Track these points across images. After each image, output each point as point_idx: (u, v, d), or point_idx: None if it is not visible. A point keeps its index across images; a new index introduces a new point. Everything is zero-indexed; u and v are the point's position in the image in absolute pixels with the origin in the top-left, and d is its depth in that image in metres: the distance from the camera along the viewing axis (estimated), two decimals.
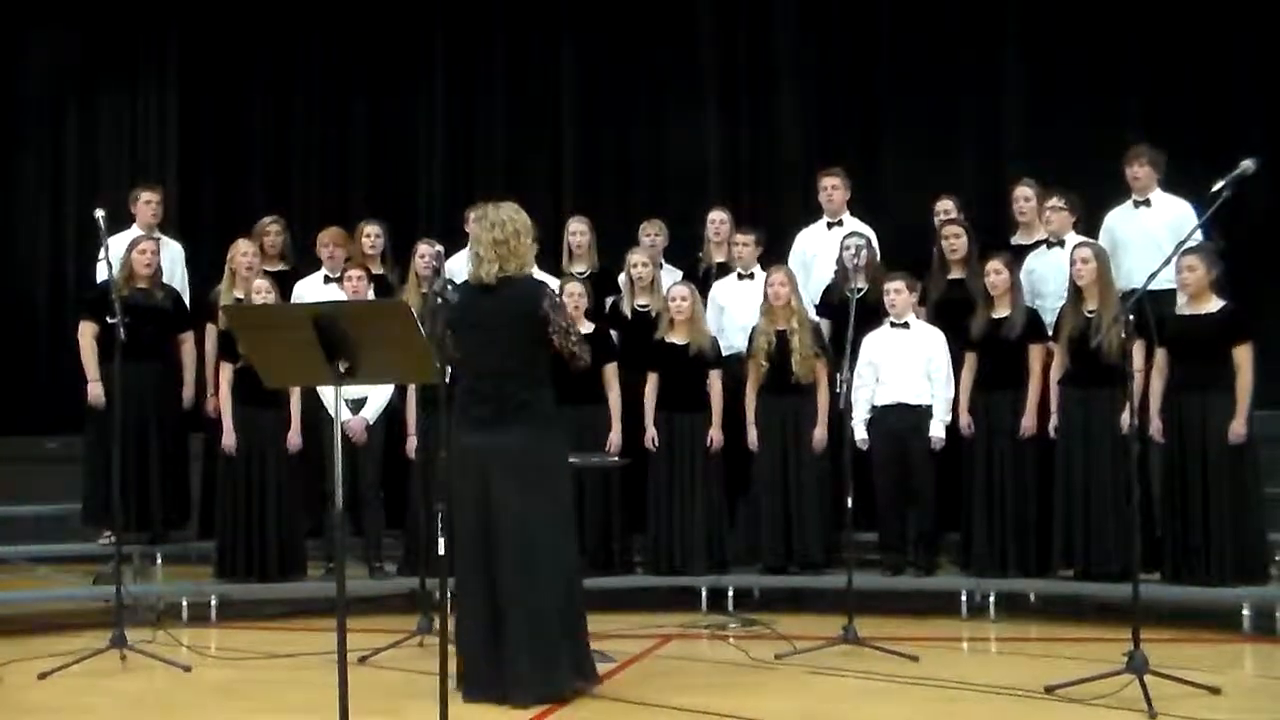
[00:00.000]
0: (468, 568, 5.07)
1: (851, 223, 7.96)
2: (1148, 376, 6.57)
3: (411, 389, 7.18)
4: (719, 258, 8.17)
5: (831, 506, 7.19)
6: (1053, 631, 6.65)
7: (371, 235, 8.12)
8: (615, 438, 7.25)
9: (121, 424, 6.35)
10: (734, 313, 7.78)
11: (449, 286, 5.24)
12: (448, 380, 4.88)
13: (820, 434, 7.24)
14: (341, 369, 3.96)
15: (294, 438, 7.22)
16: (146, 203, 8.01)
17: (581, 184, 10.56)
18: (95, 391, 7.37)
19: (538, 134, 10.86)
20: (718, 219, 8.24)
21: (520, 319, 5.10)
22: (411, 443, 7.24)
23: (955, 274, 7.48)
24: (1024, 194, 7.71)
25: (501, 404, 5.06)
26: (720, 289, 7.91)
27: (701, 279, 8.04)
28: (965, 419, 7.08)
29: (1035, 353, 6.97)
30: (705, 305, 7.70)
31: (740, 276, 7.84)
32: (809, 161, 9.34)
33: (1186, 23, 9.45)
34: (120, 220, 7.94)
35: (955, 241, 7.46)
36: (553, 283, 7.24)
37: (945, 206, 7.97)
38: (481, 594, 5.03)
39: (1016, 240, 7.77)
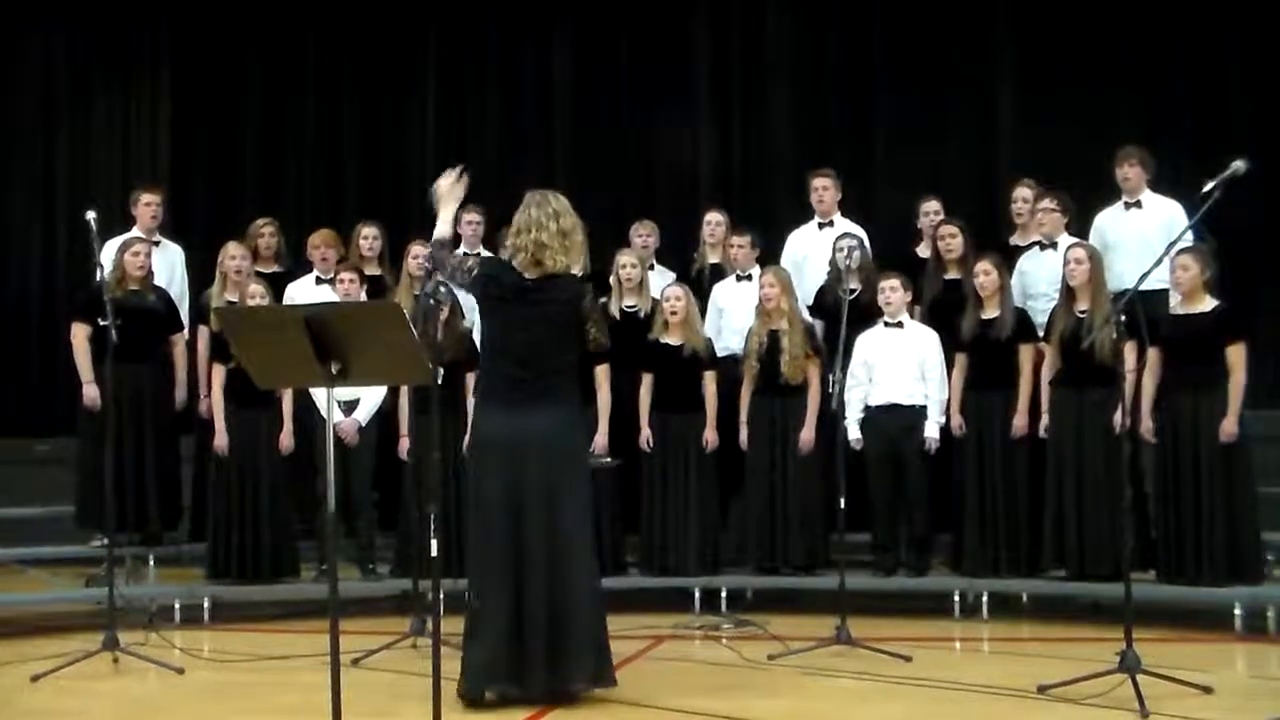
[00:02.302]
0: (493, 556, 4.94)
1: (843, 223, 7.98)
2: (1139, 377, 6.59)
3: (404, 390, 7.17)
4: (714, 259, 8.18)
5: (820, 508, 7.21)
6: (1045, 631, 6.66)
7: (369, 237, 8.13)
8: (601, 440, 7.24)
9: (115, 426, 6.34)
10: (731, 314, 7.78)
11: (441, 288, 5.23)
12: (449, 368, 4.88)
13: (807, 435, 7.24)
14: (334, 370, 3.96)
15: (285, 439, 7.22)
16: (146, 204, 8.02)
17: (574, 185, 10.52)
18: (90, 393, 7.36)
19: (530, 135, 10.87)
20: (714, 220, 8.25)
21: (567, 316, 5.04)
22: (404, 444, 7.24)
23: (951, 274, 7.48)
24: (1023, 194, 7.72)
25: (536, 391, 4.97)
26: (720, 291, 7.92)
27: (695, 280, 8.05)
28: (957, 420, 7.10)
29: (1025, 353, 6.99)
30: (700, 305, 7.71)
31: (738, 278, 7.85)
32: (801, 162, 9.35)
33: (1178, 23, 9.48)
34: (117, 222, 7.95)
35: (951, 241, 7.47)
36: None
37: (933, 207, 7.99)
38: (507, 581, 4.90)
39: (1014, 240, 7.79)
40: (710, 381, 7.41)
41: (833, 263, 7.53)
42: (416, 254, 7.60)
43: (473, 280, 5.11)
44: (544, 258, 4.99)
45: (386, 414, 7.43)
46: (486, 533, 4.98)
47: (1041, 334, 7.01)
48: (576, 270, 5.15)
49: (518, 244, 5.06)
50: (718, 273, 8.08)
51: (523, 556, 4.92)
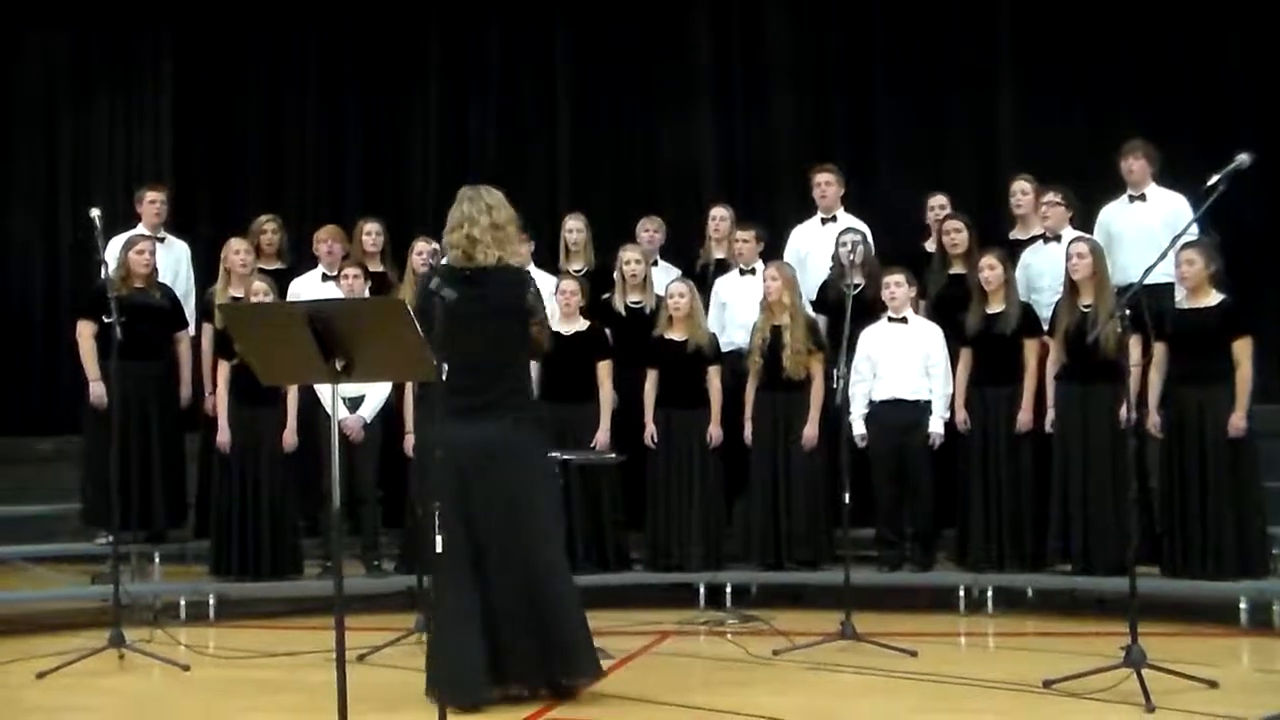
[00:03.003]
0: (455, 565, 4.78)
1: (845, 219, 7.97)
2: (1145, 371, 6.58)
3: (409, 386, 7.17)
4: (719, 254, 8.17)
5: (823, 503, 7.21)
6: (1050, 626, 6.65)
7: (372, 233, 8.11)
8: (602, 437, 7.24)
9: (120, 423, 6.35)
10: (735, 309, 7.78)
11: (445, 287, 5.20)
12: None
13: (810, 431, 7.22)
14: (338, 367, 3.96)
15: (289, 437, 7.21)
16: (151, 202, 8.04)
17: (576, 183, 10.57)
18: (98, 391, 7.35)
19: (532, 132, 10.87)
20: (719, 215, 8.25)
21: (508, 310, 4.94)
22: (409, 440, 7.22)
23: (956, 269, 7.47)
24: (1021, 188, 7.71)
25: (484, 395, 4.86)
26: (723, 285, 7.92)
27: (700, 275, 8.05)
28: (961, 414, 7.09)
29: (1030, 347, 6.98)
30: (706, 301, 7.71)
31: (741, 272, 7.84)
32: (804, 159, 9.34)
33: (1180, 19, 9.46)
34: (119, 220, 7.94)
35: (956, 236, 7.46)
36: (548, 280, 7.25)
37: (939, 202, 7.98)
38: (475, 588, 4.81)
39: (1014, 235, 7.78)
40: (714, 377, 7.41)
41: (835, 258, 7.53)
42: (421, 250, 7.60)
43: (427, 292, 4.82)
44: (474, 252, 4.93)
45: (391, 410, 7.43)
46: (450, 540, 4.71)
47: (1046, 328, 7.00)
48: (513, 262, 5.07)
49: (451, 240, 5.00)
50: (723, 268, 8.08)
51: (492, 563, 4.82)
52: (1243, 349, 6.41)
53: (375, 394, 7.32)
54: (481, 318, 4.89)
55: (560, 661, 4.92)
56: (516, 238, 5.06)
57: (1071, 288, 6.78)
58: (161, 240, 7.92)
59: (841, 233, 7.55)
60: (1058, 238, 7.28)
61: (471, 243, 4.94)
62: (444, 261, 5.14)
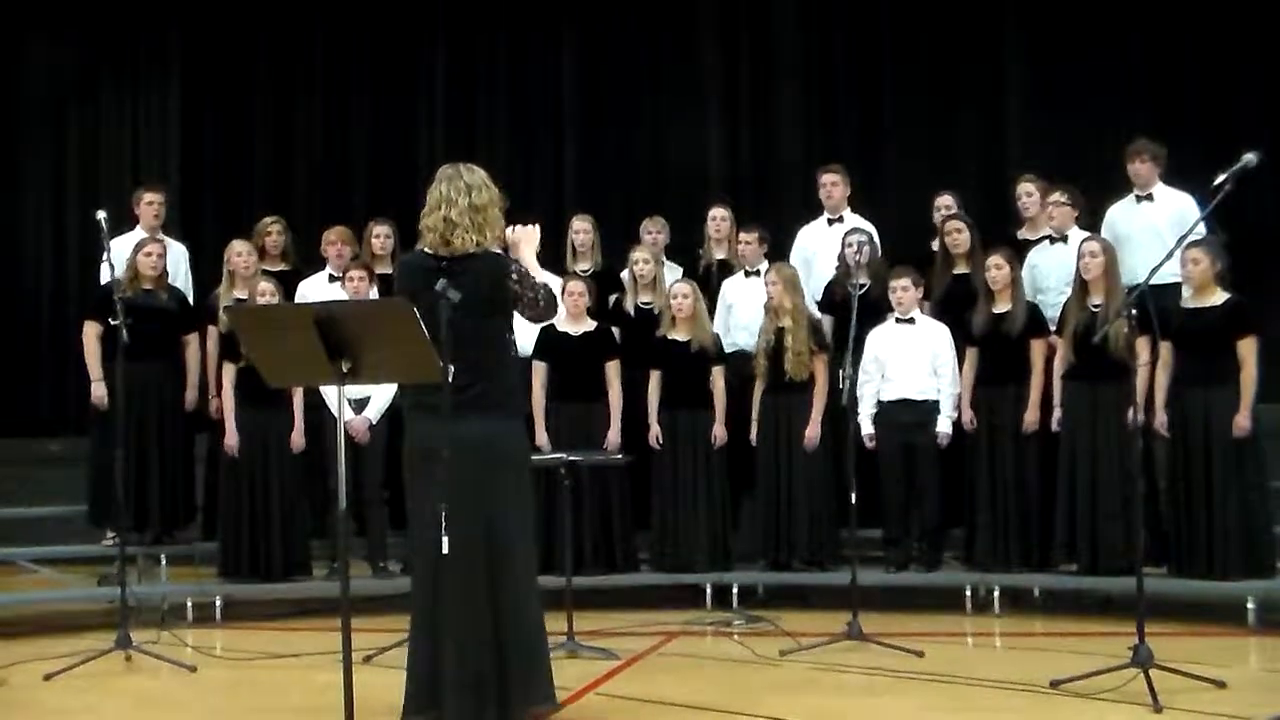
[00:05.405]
0: (427, 576, 4.39)
1: (852, 219, 7.97)
2: (1152, 370, 6.56)
3: None
4: (720, 255, 8.17)
5: (825, 504, 7.22)
6: (1057, 626, 6.64)
7: (381, 235, 8.07)
8: (614, 436, 7.26)
9: (126, 425, 6.37)
10: (739, 310, 7.77)
11: (450, 289, 5.16)
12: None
13: (811, 432, 7.22)
14: (344, 369, 3.95)
15: (297, 438, 7.22)
16: (149, 203, 8.01)
17: (583, 183, 10.58)
18: (99, 392, 7.37)
19: (539, 133, 10.88)
20: (718, 216, 8.24)
21: (486, 299, 4.46)
22: None
23: (959, 269, 7.47)
24: (1026, 189, 7.71)
25: (469, 395, 4.36)
26: (729, 287, 7.91)
27: (702, 276, 8.04)
28: (968, 414, 7.08)
29: (1037, 347, 6.98)
30: (709, 302, 7.71)
31: (747, 274, 7.84)
32: (810, 160, 9.34)
33: (1188, 19, 9.45)
34: (123, 221, 7.94)
35: (958, 236, 7.45)
36: (554, 281, 7.24)
37: (945, 202, 7.96)
38: (429, 600, 4.36)
39: (1021, 235, 7.77)
40: (718, 377, 7.41)
41: (842, 258, 7.53)
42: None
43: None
44: (452, 236, 4.49)
45: (397, 412, 7.42)
46: (423, 550, 4.42)
47: (1054, 328, 7.00)
48: (493, 248, 4.60)
49: (427, 224, 4.57)
50: (724, 269, 8.07)
51: (451, 574, 4.22)
52: (1248, 348, 6.39)
53: (381, 395, 7.32)
54: (458, 310, 4.30)
55: (512, 687, 4.39)
56: (499, 221, 4.64)
57: (1082, 287, 6.77)
58: (159, 242, 7.91)
59: (847, 233, 7.55)
60: (1064, 238, 7.28)
61: (449, 225, 4.51)
62: (418, 247, 4.77)
